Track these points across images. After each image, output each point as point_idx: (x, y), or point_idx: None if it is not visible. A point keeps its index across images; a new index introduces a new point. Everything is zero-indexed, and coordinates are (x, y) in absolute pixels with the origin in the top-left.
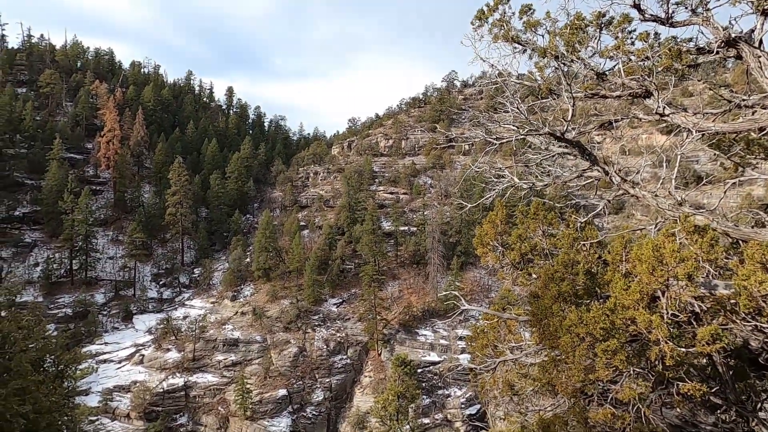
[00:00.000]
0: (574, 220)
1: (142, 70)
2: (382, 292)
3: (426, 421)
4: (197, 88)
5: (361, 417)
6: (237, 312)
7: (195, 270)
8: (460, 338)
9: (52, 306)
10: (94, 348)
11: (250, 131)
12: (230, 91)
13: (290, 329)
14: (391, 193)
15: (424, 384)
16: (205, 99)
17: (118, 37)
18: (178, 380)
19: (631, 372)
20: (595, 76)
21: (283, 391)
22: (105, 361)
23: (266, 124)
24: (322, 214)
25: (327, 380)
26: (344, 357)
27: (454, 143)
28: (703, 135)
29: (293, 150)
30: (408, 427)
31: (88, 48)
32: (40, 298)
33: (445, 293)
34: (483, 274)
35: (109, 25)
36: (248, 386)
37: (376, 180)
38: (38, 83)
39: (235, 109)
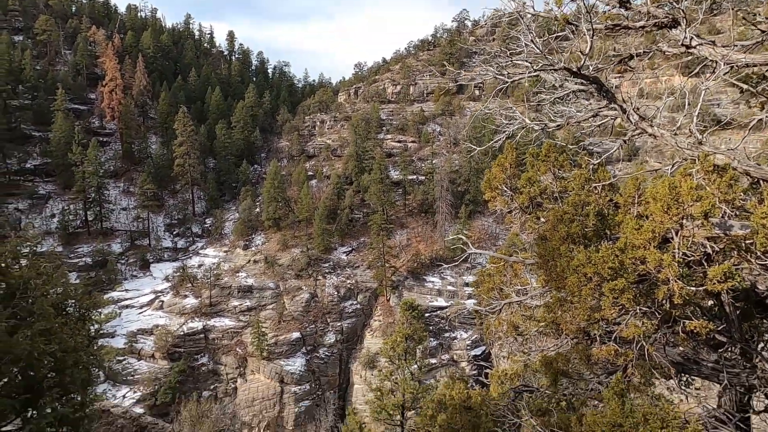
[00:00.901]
0: (587, 162)
1: (138, 14)
2: (391, 241)
3: (433, 361)
4: (197, 33)
5: (371, 357)
6: (249, 260)
7: (207, 220)
8: (467, 284)
9: (72, 255)
10: (115, 294)
11: (254, 78)
12: (231, 36)
13: (302, 276)
14: (399, 141)
15: (431, 327)
16: (205, 45)
17: None
18: (197, 324)
19: (638, 311)
20: (618, 5)
21: (296, 334)
22: (127, 306)
23: (270, 70)
24: (330, 164)
25: (338, 324)
26: (354, 302)
27: (463, 83)
28: (731, 68)
29: (298, 98)
30: (416, 366)
31: None
32: (59, 248)
33: (452, 238)
34: (491, 223)
35: None
36: (263, 329)
37: (384, 128)
38: (34, 30)
39: (237, 55)
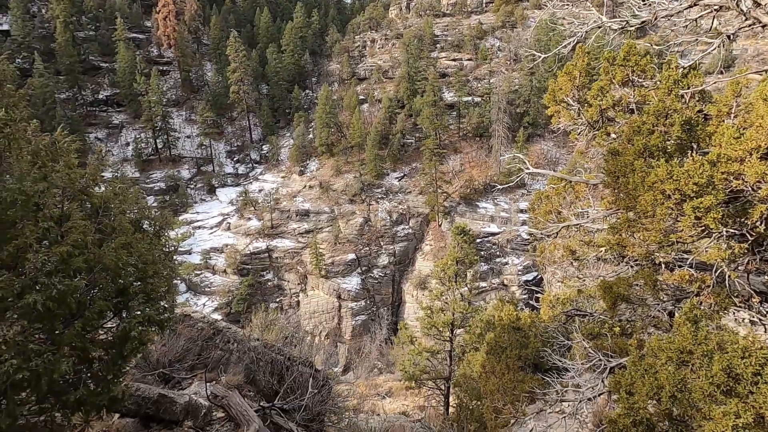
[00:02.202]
0: (676, 63)
1: None
2: (443, 166)
3: (483, 284)
4: None
5: (422, 279)
6: (305, 186)
7: (263, 147)
8: (522, 211)
9: (148, 180)
10: (188, 216)
11: None
12: None
13: (355, 201)
14: (454, 59)
15: (482, 253)
16: None
17: None
18: (261, 244)
19: (723, 233)
20: None
21: (351, 255)
22: (199, 227)
23: None
24: (381, 87)
25: (391, 247)
26: (406, 227)
27: None
28: None
29: (348, 15)
30: (466, 288)
31: None
32: (137, 174)
33: (509, 157)
34: (551, 147)
35: None
36: (321, 250)
37: (438, 45)
38: None
39: None
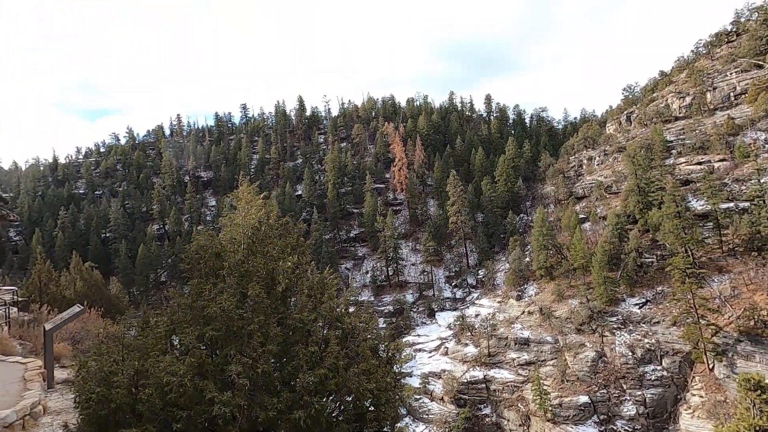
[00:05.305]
0: None
1: (415, 103)
2: (704, 290)
3: None
4: (459, 105)
5: None
6: (524, 311)
7: (479, 271)
8: None
9: (380, 304)
10: (410, 339)
11: (512, 131)
12: (488, 99)
13: (583, 331)
14: (699, 163)
15: None
16: (467, 113)
17: (396, 83)
18: (478, 373)
19: None
20: None
21: (584, 398)
22: (419, 350)
23: (527, 120)
24: (605, 203)
25: (638, 393)
26: (658, 368)
27: None
28: None
29: (560, 140)
30: None
31: (378, 99)
32: (372, 298)
33: None
34: None
35: (388, 75)
36: (545, 388)
37: (673, 151)
38: (351, 136)
39: (494, 114)
